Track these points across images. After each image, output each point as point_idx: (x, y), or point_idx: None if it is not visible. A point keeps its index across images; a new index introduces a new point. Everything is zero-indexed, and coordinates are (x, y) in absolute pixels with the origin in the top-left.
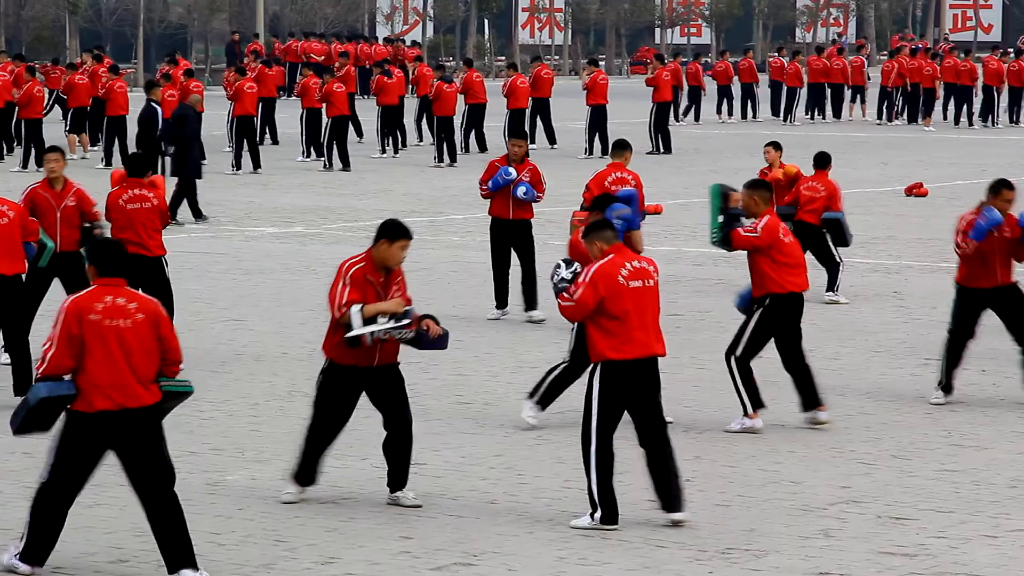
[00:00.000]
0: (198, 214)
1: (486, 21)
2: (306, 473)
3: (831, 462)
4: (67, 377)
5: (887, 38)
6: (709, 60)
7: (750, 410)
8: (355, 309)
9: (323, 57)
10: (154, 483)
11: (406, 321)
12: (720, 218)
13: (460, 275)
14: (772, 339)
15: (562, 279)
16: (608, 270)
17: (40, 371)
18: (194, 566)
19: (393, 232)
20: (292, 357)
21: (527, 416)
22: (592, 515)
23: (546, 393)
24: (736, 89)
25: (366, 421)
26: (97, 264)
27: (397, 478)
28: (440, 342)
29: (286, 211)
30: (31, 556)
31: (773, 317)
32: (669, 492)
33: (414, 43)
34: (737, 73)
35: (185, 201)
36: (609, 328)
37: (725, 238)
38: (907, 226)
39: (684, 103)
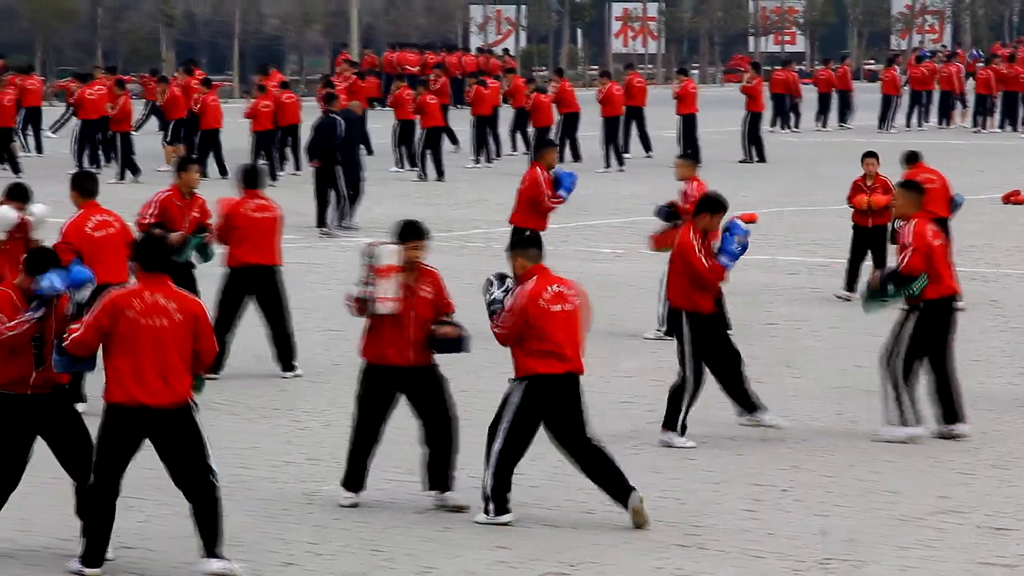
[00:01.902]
0: (322, 222)
1: (579, 30)
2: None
3: (929, 472)
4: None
5: (984, 44)
6: (804, 68)
7: (909, 419)
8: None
9: (417, 68)
10: (191, 480)
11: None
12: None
13: None
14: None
15: (494, 299)
16: (533, 296)
17: (64, 344)
18: (220, 555)
19: (402, 234)
20: None
21: (683, 444)
22: (487, 510)
23: (678, 415)
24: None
25: (460, 430)
26: (141, 261)
27: (442, 481)
28: (453, 345)
29: (380, 221)
30: (91, 559)
31: (929, 322)
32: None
33: (505, 52)
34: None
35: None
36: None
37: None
38: (1005, 234)
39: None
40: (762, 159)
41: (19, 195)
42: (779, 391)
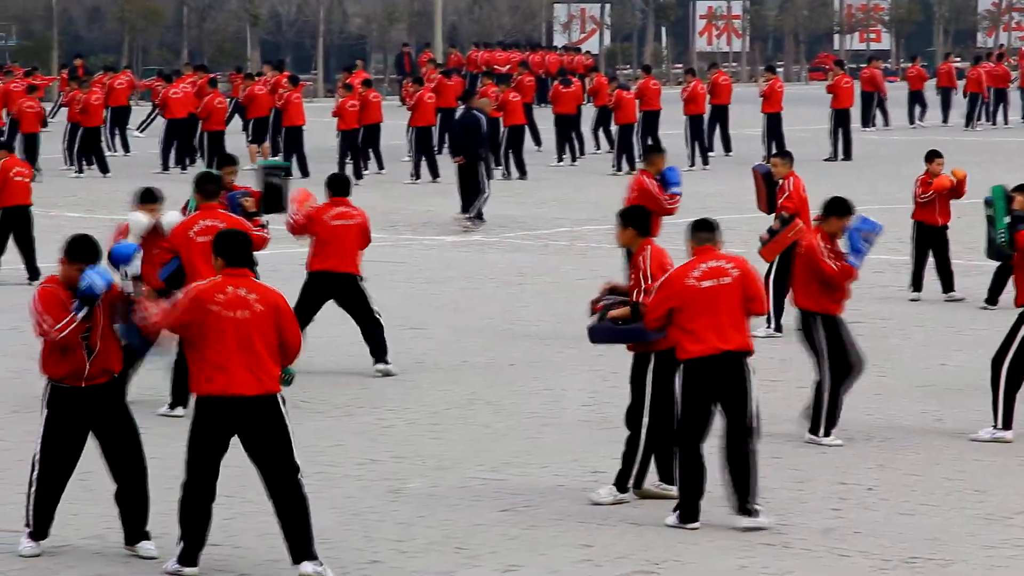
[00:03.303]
0: (478, 214)
1: (663, 29)
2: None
3: (1016, 471)
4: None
5: None
6: (888, 66)
7: (1000, 423)
8: None
9: (507, 67)
10: (277, 473)
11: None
12: (1006, 219)
13: None
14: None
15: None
16: (677, 275)
17: (138, 318)
18: (314, 557)
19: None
20: (471, 365)
21: (830, 443)
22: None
23: (827, 416)
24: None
25: (545, 429)
26: (224, 255)
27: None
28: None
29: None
30: (189, 558)
31: None
32: (745, 490)
33: (587, 52)
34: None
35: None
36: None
37: (1011, 240)
38: None
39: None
40: (848, 157)
41: (151, 198)
42: (865, 389)
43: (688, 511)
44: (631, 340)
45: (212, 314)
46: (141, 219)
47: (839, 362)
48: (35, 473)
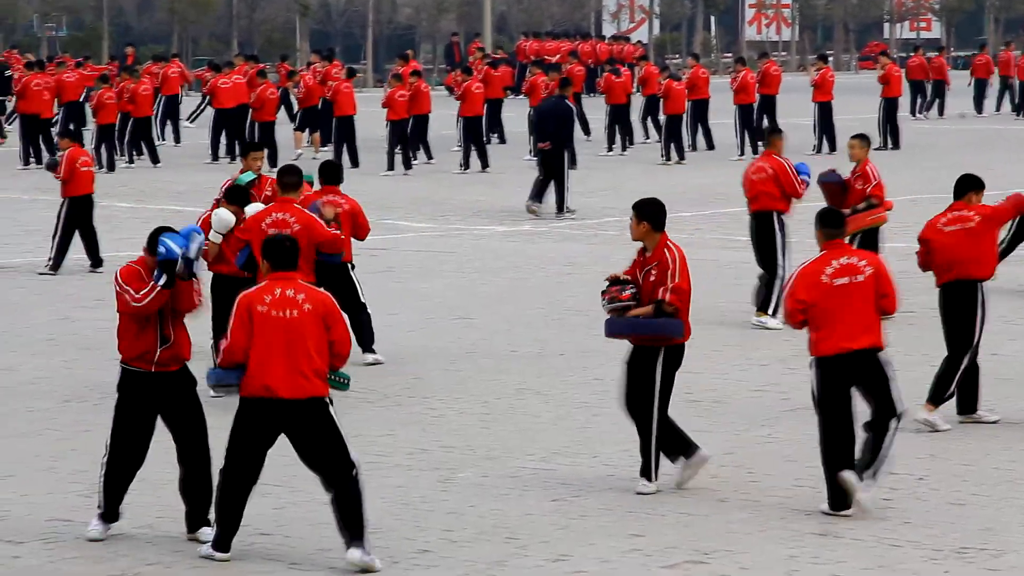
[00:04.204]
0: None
1: (712, 18)
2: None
3: None
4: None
5: None
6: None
7: None
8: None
9: (557, 56)
10: (330, 474)
11: (620, 286)
12: None
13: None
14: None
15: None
16: (808, 272)
17: (218, 361)
18: (363, 546)
19: (634, 210)
20: (521, 355)
21: (942, 427)
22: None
23: (953, 395)
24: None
25: (594, 419)
26: (270, 260)
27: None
28: (655, 327)
29: (514, 210)
30: (221, 544)
31: None
32: (868, 460)
33: (638, 42)
34: (973, 69)
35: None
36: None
37: None
38: None
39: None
40: (896, 146)
41: (239, 200)
42: (916, 379)
43: (836, 500)
44: (653, 334)
45: (259, 315)
46: (227, 217)
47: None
48: (106, 456)
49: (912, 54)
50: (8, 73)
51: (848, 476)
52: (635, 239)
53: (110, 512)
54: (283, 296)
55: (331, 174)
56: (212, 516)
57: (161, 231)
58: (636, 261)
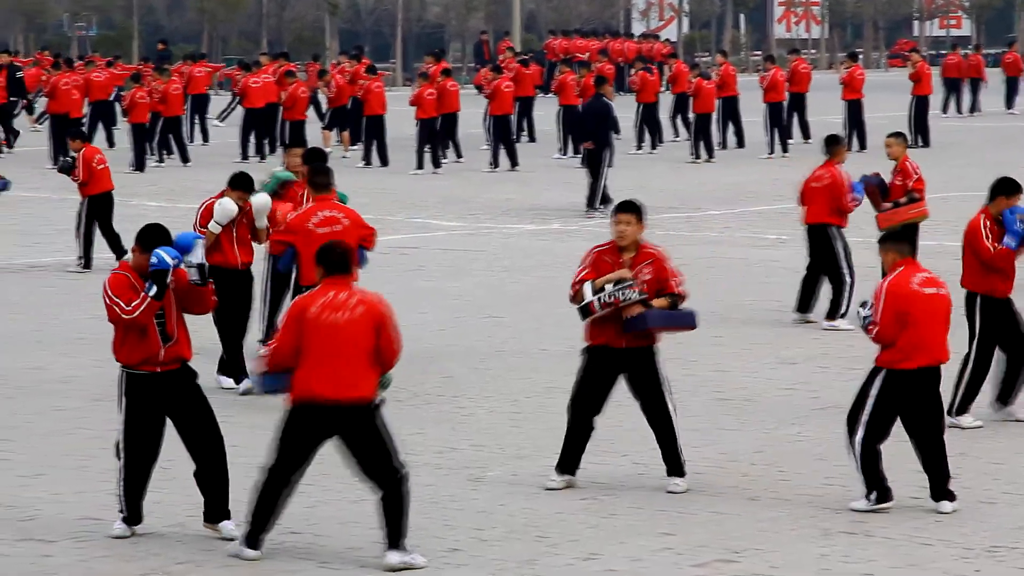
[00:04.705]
0: (605, 199)
1: (741, 15)
2: (569, 462)
3: None
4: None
5: None
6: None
7: None
8: (587, 284)
9: (587, 55)
10: (376, 477)
11: (629, 283)
12: None
13: (718, 271)
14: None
15: (865, 317)
16: (898, 282)
17: (264, 365)
18: (402, 548)
19: (615, 208)
20: (551, 353)
21: (969, 425)
22: (868, 497)
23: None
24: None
25: (625, 417)
26: (324, 265)
27: (670, 462)
28: (675, 319)
29: (544, 208)
30: (251, 540)
31: None
32: (939, 479)
33: (666, 40)
34: (1003, 66)
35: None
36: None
37: None
38: None
39: (939, 97)
40: (926, 144)
41: (243, 184)
42: (946, 377)
43: (881, 492)
44: (686, 325)
45: (310, 319)
46: (230, 207)
47: (1003, 343)
48: (121, 461)
49: (948, 52)
50: (20, 75)
51: None
52: (628, 241)
53: (133, 515)
54: (335, 300)
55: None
56: (231, 509)
57: (151, 229)
58: (611, 262)
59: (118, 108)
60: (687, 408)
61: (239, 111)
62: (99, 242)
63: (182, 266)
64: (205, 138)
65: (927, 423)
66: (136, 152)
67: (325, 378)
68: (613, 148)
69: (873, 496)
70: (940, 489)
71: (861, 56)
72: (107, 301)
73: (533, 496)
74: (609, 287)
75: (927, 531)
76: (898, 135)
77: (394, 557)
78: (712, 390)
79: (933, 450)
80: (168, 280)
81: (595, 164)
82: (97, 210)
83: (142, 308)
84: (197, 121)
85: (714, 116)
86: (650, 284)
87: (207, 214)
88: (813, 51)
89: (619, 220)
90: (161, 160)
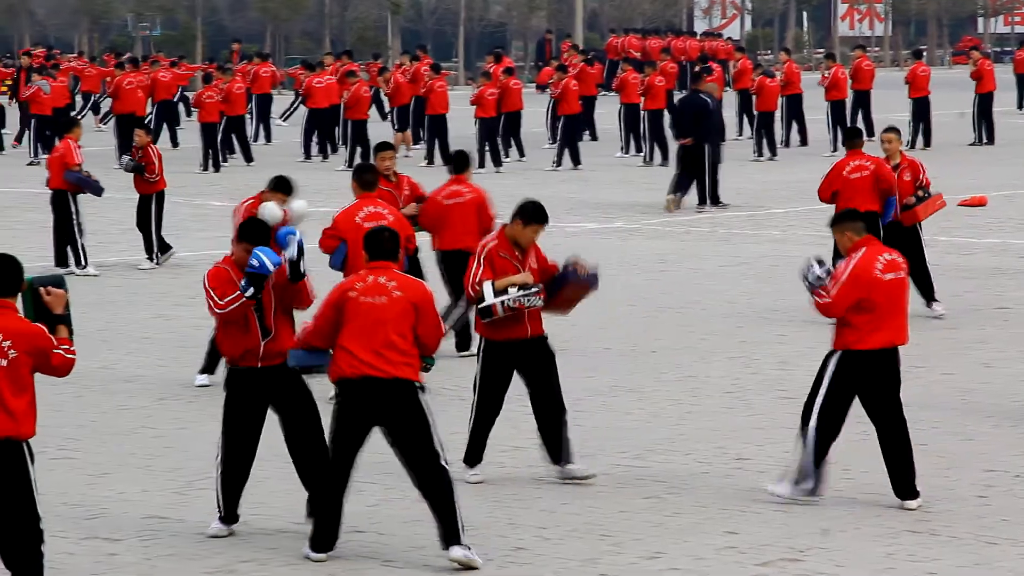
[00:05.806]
0: (715, 200)
1: (804, 13)
2: (476, 454)
3: None
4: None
5: None
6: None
7: None
8: (487, 284)
9: (639, 53)
10: (417, 459)
11: (534, 289)
12: None
13: (781, 269)
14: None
15: (818, 277)
16: (864, 266)
17: (296, 339)
18: (460, 542)
19: (529, 215)
20: (613, 352)
21: None
22: (798, 483)
23: None
24: None
25: (688, 416)
26: (368, 251)
27: (556, 452)
28: (590, 280)
29: (606, 207)
30: (318, 543)
31: None
32: (904, 478)
33: (728, 38)
34: None
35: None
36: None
37: None
38: None
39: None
40: (991, 141)
41: (283, 187)
42: (1010, 376)
43: (815, 485)
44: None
45: (351, 300)
46: (275, 211)
47: None
48: (220, 457)
49: (1018, 48)
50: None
51: None
52: (529, 242)
53: (230, 514)
54: (375, 283)
55: (459, 163)
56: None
57: (253, 225)
58: (509, 261)
59: (181, 108)
60: (751, 407)
61: (301, 110)
62: (133, 241)
63: (283, 262)
64: (268, 138)
65: (886, 404)
66: (205, 151)
67: (361, 356)
68: (717, 145)
69: (806, 485)
70: (905, 485)
71: (925, 53)
72: (206, 293)
73: (596, 495)
74: (513, 291)
75: (993, 530)
76: (895, 130)
77: (457, 551)
78: (776, 389)
79: (896, 437)
80: (288, 275)
81: (697, 161)
82: (159, 206)
83: (235, 305)
84: (260, 121)
85: (777, 114)
86: (541, 271)
87: (245, 217)
88: (876, 49)
89: (537, 230)
90: (224, 160)
